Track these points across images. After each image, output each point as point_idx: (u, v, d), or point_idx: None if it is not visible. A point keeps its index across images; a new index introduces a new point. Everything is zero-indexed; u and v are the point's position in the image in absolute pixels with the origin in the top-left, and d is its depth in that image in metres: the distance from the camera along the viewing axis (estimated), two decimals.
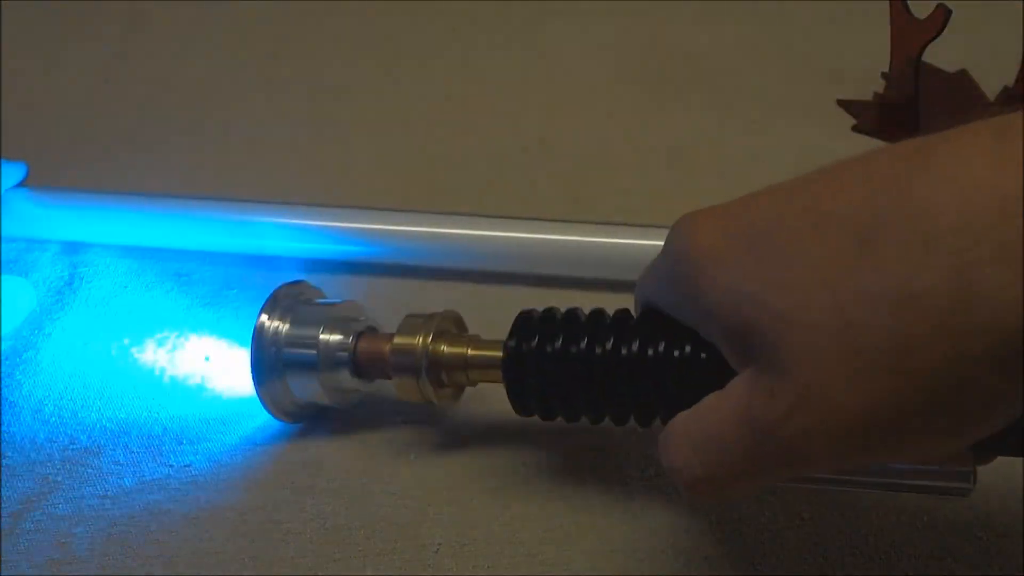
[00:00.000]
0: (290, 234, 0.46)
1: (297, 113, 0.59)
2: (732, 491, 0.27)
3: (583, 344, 0.32)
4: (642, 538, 0.34)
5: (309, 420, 0.39)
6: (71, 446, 0.39)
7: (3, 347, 0.43)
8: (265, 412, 0.38)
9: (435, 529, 0.35)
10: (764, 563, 0.33)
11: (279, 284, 0.38)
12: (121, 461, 0.38)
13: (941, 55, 0.56)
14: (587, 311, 0.34)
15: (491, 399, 0.40)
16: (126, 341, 0.44)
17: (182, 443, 0.39)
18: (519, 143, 0.56)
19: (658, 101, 0.59)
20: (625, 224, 0.45)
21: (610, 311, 0.33)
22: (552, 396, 0.33)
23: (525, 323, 0.33)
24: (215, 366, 0.42)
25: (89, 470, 0.38)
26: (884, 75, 0.58)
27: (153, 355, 0.43)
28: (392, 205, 0.48)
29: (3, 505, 0.37)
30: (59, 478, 0.38)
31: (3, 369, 0.42)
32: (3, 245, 0.48)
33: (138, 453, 0.39)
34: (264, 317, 0.37)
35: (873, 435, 0.23)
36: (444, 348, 0.35)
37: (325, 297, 0.40)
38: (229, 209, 0.47)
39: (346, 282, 0.46)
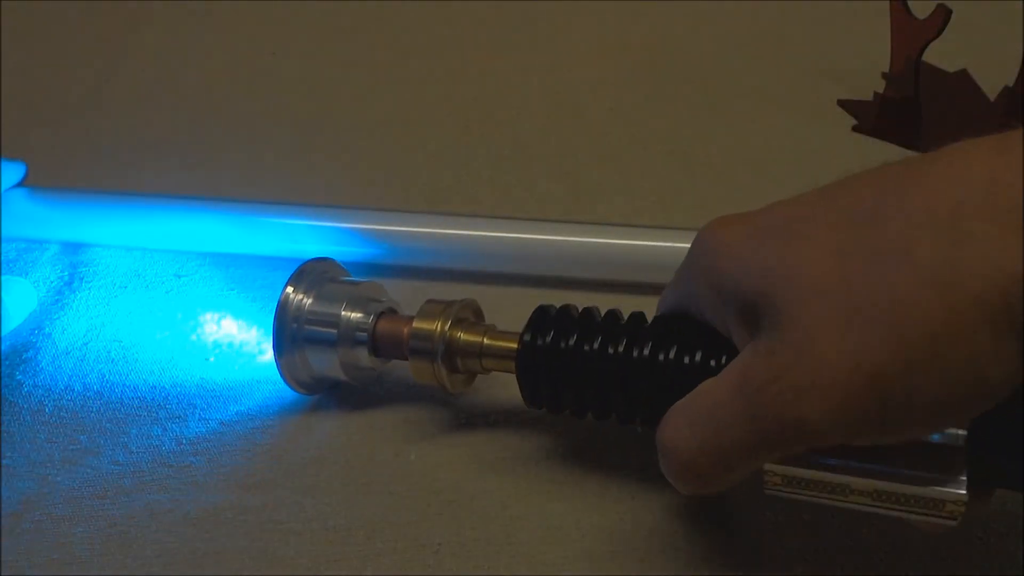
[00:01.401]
0: (290, 234, 0.46)
1: (297, 113, 0.59)
2: (727, 469, 0.27)
3: (596, 343, 0.33)
4: (642, 538, 0.34)
5: (323, 395, 0.41)
6: (71, 446, 0.39)
7: (3, 347, 0.43)
8: (283, 389, 0.39)
9: (435, 529, 0.35)
10: (764, 563, 0.33)
11: (307, 259, 0.39)
12: (121, 461, 0.38)
13: (941, 55, 0.56)
14: (603, 311, 0.35)
15: (492, 400, 0.40)
16: (119, 340, 0.44)
17: (182, 443, 0.39)
18: (519, 143, 0.56)
19: (658, 101, 0.59)
20: (625, 224, 0.46)
21: (625, 313, 0.34)
22: (562, 391, 0.34)
23: (542, 317, 0.34)
24: (217, 366, 0.42)
25: (89, 470, 0.38)
26: (884, 75, 0.58)
27: (153, 355, 0.43)
28: (392, 205, 0.48)
29: (3, 505, 0.37)
30: (59, 478, 0.38)
31: (3, 369, 0.42)
32: (3, 245, 0.48)
33: (138, 453, 0.39)
34: (289, 289, 0.38)
35: (864, 395, 0.24)
36: (461, 335, 0.36)
37: (349, 276, 0.41)
38: (229, 209, 0.47)
39: None
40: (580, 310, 0.35)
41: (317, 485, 0.37)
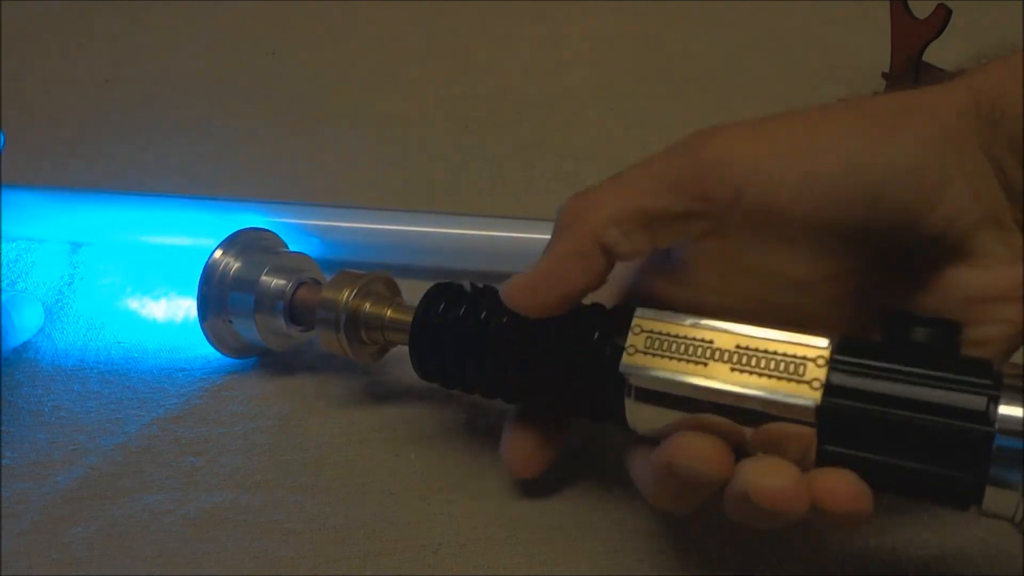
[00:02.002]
0: (290, 234, 0.46)
1: (297, 113, 0.59)
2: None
3: (481, 316, 0.33)
4: (642, 538, 0.34)
5: (257, 359, 0.42)
6: (70, 447, 0.39)
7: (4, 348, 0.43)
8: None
9: (435, 529, 0.35)
10: (764, 564, 0.33)
11: (243, 228, 0.40)
12: (121, 461, 0.38)
13: (941, 55, 0.56)
14: None
15: (492, 400, 0.40)
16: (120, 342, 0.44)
17: (181, 443, 0.39)
18: (519, 143, 0.56)
19: (658, 101, 0.59)
20: None
21: None
22: (448, 365, 0.34)
23: (437, 292, 0.35)
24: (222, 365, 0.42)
25: (89, 470, 0.38)
26: (884, 75, 0.58)
27: (151, 355, 0.43)
28: (392, 205, 0.48)
29: (3, 505, 0.37)
30: (59, 478, 0.38)
31: (3, 369, 0.42)
32: (3, 245, 0.48)
33: (138, 453, 0.39)
34: (218, 254, 0.39)
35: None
36: (367, 307, 0.37)
37: (286, 248, 0.42)
38: (229, 209, 0.47)
39: None
40: (480, 287, 0.35)
41: (317, 485, 0.37)
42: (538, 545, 0.34)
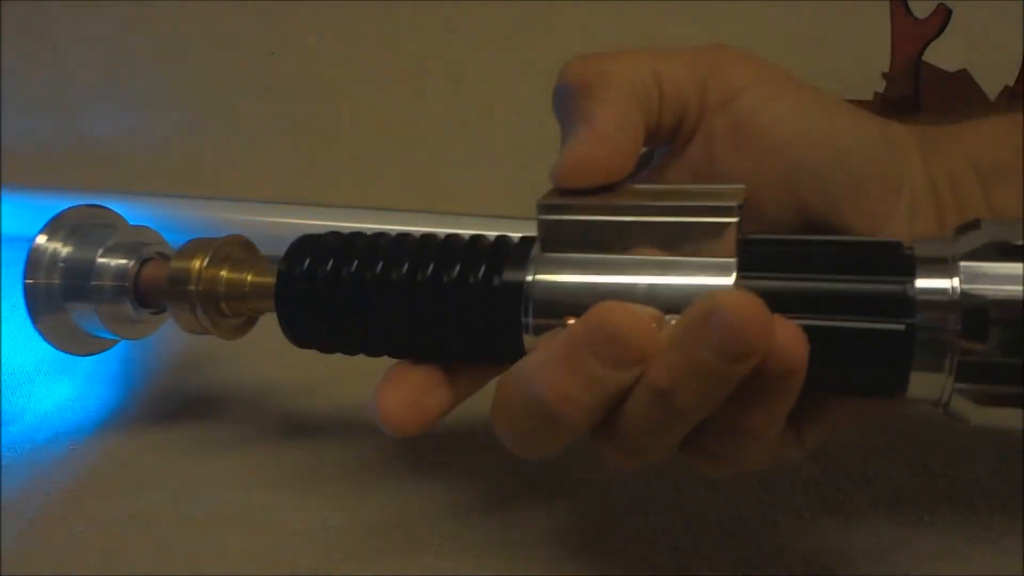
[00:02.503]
0: (290, 234, 0.46)
1: (297, 113, 0.59)
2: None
3: (352, 268, 0.29)
4: (643, 539, 0.34)
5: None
6: (71, 446, 0.39)
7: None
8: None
9: (435, 529, 0.35)
10: (764, 563, 0.33)
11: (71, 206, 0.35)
12: (121, 461, 0.38)
13: (941, 55, 0.56)
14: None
15: (491, 401, 0.40)
16: None
17: (181, 443, 0.39)
18: (518, 142, 0.56)
19: None
20: None
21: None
22: (323, 327, 0.31)
23: (298, 248, 0.31)
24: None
25: (89, 470, 0.38)
26: (884, 75, 0.58)
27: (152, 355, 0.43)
28: (391, 205, 0.48)
29: (3, 505, 0.37)
30: (59, 478, 0.38)
31: (3, 369, 0.42)
32: (3, 245, 0.48)
33: (137, 453, 0.39)
34: (42, 239, 0.34)
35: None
36: (223, 275, 0.32)
37: (124, 222, 0.37)
38: (228, 209, 0.47)
39: None
40: (353, 235, 0.31)
41: (317, 485, 0.37)
42: (538, 545, 0.34)
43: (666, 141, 0.30)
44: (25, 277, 0.33)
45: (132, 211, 0.44)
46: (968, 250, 0.24)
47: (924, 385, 0.24)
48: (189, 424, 0.40)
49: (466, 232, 0.31)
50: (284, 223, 0.46)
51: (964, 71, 0.59)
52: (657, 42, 0.65)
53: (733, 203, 0.25)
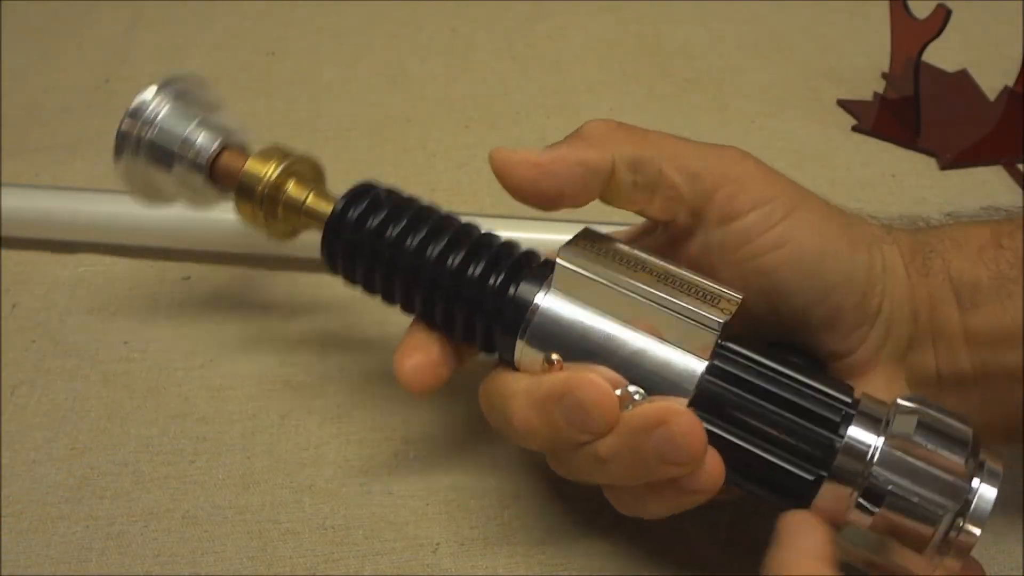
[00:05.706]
0: None
1: (297, 113, 0.59)
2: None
3: (399, 230, 0.33)
4: (642, 539, 0.34)
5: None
6: (70, 446, 0.39)
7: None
8: None
9: (435, 529, 0.35)
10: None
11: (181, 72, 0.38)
12: (121, 461, 0.38)
13: (941, 55, 0.56)
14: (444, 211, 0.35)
15: None
16: (126, 341, 0.44)
17: (181, 443, 0.39)
18: (519, 143, 0.56)
19: (658, 101, 0.59)
20: (625, 224, 0.45)
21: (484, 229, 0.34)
22: (357, 266, 0.34)
23: (359, 193, 0.34)
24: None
25: (89, 470, 0.38)
26: (884, 75, 0.58)
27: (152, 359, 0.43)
28: None
29: (3, 505, 0.37)
30: (59, 477, 0.38)
31: (3, 369, 0.42)
32: (3, 245, 0.48)
33: (137, 453, 0.39)
34: (150, 92, 0.37)
35: None
36: (290, 186, 0.36)
37: (221, 103, 0.40)
38: (228, 209, 0.47)
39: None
40: (409, 196, 0.35)
41: (317, 485, 0.37)
42: (536, 546, 0.34)
43: (662, 222, 0.33)
44: (123, 119, 0.36)
45: (132, 210, 0.44)
46: (897, 432, 0.27)
47: (829, 502, 0.28)
48: (189, 424, 0.40)
49: (504, 233, 0.35)
50: None
51: (964, 71, 0.59)
52: (657, 42, 0.65)
53: (720, 319, 0.28)
